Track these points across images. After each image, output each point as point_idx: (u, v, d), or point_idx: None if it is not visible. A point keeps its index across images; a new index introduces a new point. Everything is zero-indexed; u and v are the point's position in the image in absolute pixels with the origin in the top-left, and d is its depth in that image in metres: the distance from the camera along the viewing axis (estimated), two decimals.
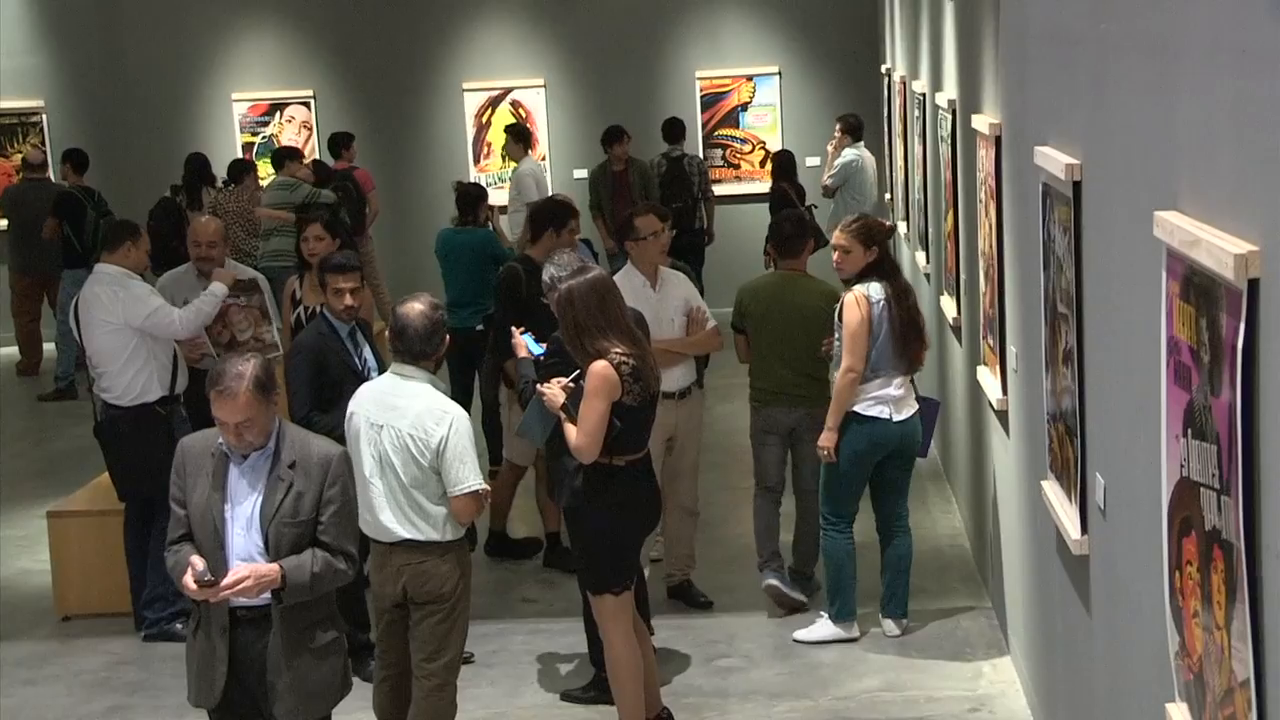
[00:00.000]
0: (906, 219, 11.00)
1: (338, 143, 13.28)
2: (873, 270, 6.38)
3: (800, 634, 6.65)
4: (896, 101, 11.74)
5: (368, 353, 6.35)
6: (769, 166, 13.13)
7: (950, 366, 8.36)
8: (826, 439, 6.39)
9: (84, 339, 7.02)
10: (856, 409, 6.35)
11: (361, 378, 6.03)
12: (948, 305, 8.06)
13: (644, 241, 6.75)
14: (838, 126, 12.79)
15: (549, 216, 7.29)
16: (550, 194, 10.65)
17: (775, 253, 7.14)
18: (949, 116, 7.79)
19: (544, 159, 14.55)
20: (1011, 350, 5.86)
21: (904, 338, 6.34)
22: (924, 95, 9.38)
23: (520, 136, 12.95)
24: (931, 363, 9.40)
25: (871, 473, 6.51)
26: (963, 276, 7.44)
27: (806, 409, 6.79)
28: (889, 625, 6.66)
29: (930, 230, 9.17)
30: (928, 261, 9.34)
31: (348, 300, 6.25)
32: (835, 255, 6.44)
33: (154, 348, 6.97)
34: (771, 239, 7.23)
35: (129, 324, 6.90)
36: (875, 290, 6.34)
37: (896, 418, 6.38)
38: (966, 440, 7.66)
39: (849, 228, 6.43)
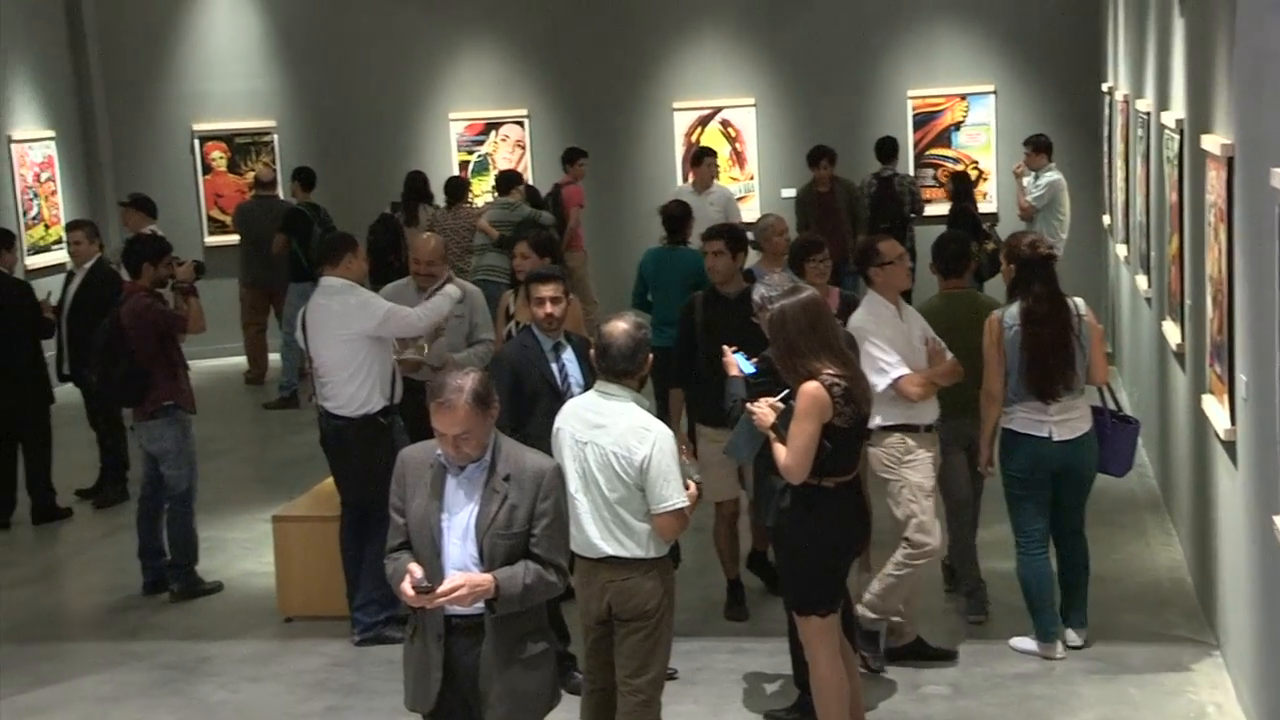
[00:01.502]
0: (1126, 241, 10.68)
1: (566, 158, 13.48)
2: (1016, 289, 6.44)
3: (1014, 641, 6.76)
4: (1118, 121, 11.42)
5: (572, 367, 6.29)
6: (949, 188, 12.89)
7: (1172, 394, 8.07)
8: (983, 455, 6.59)
9: (311, 350, 7.23)
10: (1012, 427, 6.46)
11: (559, 392, 6.09)
12: (1171, 331, 7.79)
13: (889, 266, 6.47)
14: (1027, 148, 12.55)
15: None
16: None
17: (938, 273, 7.02)
18: (1176, 136, 7.54)
19: (753, 178, 14.58)
20: (1241, 379, 5.63)
21: (1042, 362, 6.31)
22: (1149, 114, 9.10)
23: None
24: (1151, 388, 9.11)
25: (1050, 490, 6.51)
26: (1188, 302, 7.18)
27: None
28: (1070, 635, 6.69)
29: (1153, 253, 8.88)
30: (1149, 286, 9.05)
31: (547, 308, 6.24)
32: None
33: (377, 359, 7.14)
34: (936, 260, 7.09)
35: (364, 333, 7.06)
36: (1010, 314, 6.41)
37: (1058, 437, 6.40)
38: (1189, 470, 7.38)
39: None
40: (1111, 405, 6.71)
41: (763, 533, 7.28)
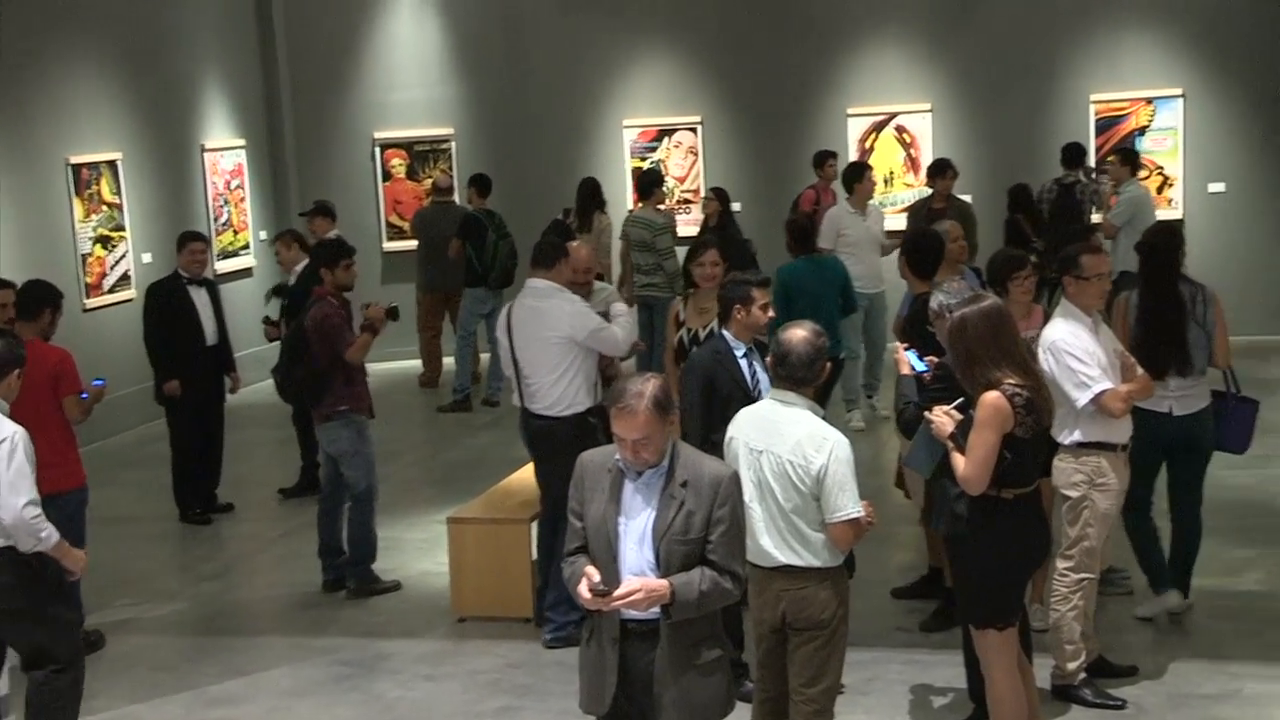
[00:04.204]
0: None
1: (816, 161, 13.42)
2: (1140, 275, 6.85)
3: (1139, 610, 7.11)
4: None
5: (762, 373, 6.30)
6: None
7: None
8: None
9: (516, 350, 7.30)
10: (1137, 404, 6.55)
11: (751, 396, 6.08)
12: None
13: (1085, 281, 6.24)
14: (1113, 159, 12.12)
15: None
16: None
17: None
18: None
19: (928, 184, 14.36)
20: None
21: (1153, 342, 6.64)
22: None
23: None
24: None
25: (1160, 462, 6.89)
26: None
27: None
28: (1170, 598, 7.05)
29: None
30: None
31: (771, 312, 6.38)
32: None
33: (586, 359, 7.24)
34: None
35: (573, 337, 7.17)
36: (1131, 299, 6.84)
37: (1178, 412, 6.73)
38: None
39: None
40: (1233, 388, 6.96)
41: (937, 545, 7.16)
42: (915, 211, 12.41)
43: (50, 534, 5.71)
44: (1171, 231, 7.08)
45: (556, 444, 7.15)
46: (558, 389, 7.19)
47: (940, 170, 12.24)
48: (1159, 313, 6.73)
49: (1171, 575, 7.11)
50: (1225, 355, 6.87)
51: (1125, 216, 11.67)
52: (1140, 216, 11.50)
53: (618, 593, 4.29)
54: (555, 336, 7.16)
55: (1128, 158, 12.21)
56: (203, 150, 14.23)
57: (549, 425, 7.22)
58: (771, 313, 6.39)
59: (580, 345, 7.17)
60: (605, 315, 7.67)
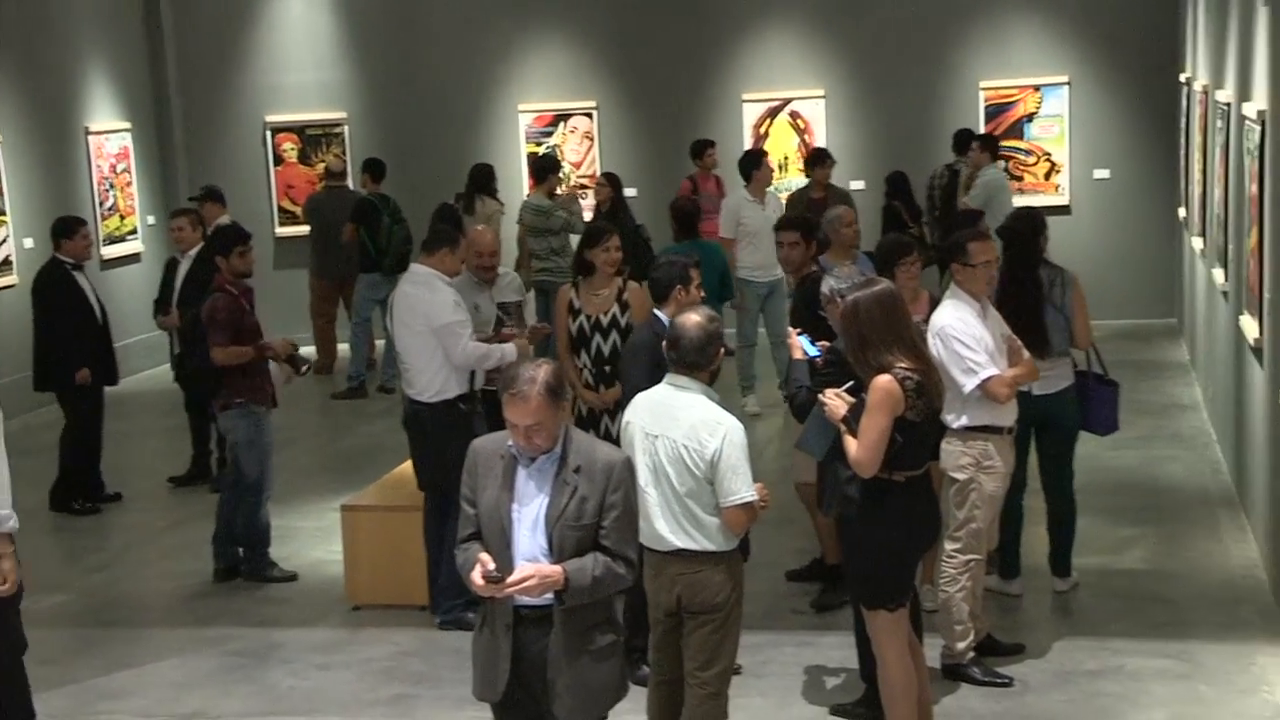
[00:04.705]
0: (1203, 234, 10.53)
1: (696, 150, 13.41)
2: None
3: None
4: (1196, 112, 11.25)
5: None
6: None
7: (1249, 389, 7.95)
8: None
9: (393, 334, 7.34)
10: None
11: None
12: (1248, 325, 7.67)
13: (972, 269, 6.34)
14: (975, 144, 12.37)
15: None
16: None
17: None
18: (1257, 127, 7.42)
19: None
20: None
21: (1009, 327, 6.61)
22: (1229, 105, 8.96)
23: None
24: (1227, 383, 8.98)
25: (1028, 441, 7.03)
26: (1267, 296, 7.07)
27: None
28: (1056, 582, 7.32)
29: (1231, 246, 8.74)
30: (1226, 279, 8.92)
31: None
32: None
33: None
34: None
35: (429, 325, 7.16)
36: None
37: (1038, 391, 6.86)
38: (1265, 466, 7.27)
39: None
40: (1097, 369, 7.15)
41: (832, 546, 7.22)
42: (794, 201, 12.38)
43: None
44: (1032, 217, 7.24)
45: (424, 429, 7.21)
46: (426, 374, 7.19)
47: (819, 160, 12.28)
48: (1017, 296, 6.85)
49: (1052, 554, 7.33)
50: (1085, 336, 7.05)
51: (981, 200, 11.87)
52: (997, 200, 11.72)
53: (511, 579, 4.28)
54: (419, 324, 7.16)
55: (986, 143, 12.44)
56: (87, 133, 13.93)
57: (417, 410, 7.26)
58: (702, 292, 6.48)
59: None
60: (506, 306, 7.66)
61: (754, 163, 11.69)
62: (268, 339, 8.19)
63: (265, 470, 8.16)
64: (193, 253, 9.93)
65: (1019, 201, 13.84)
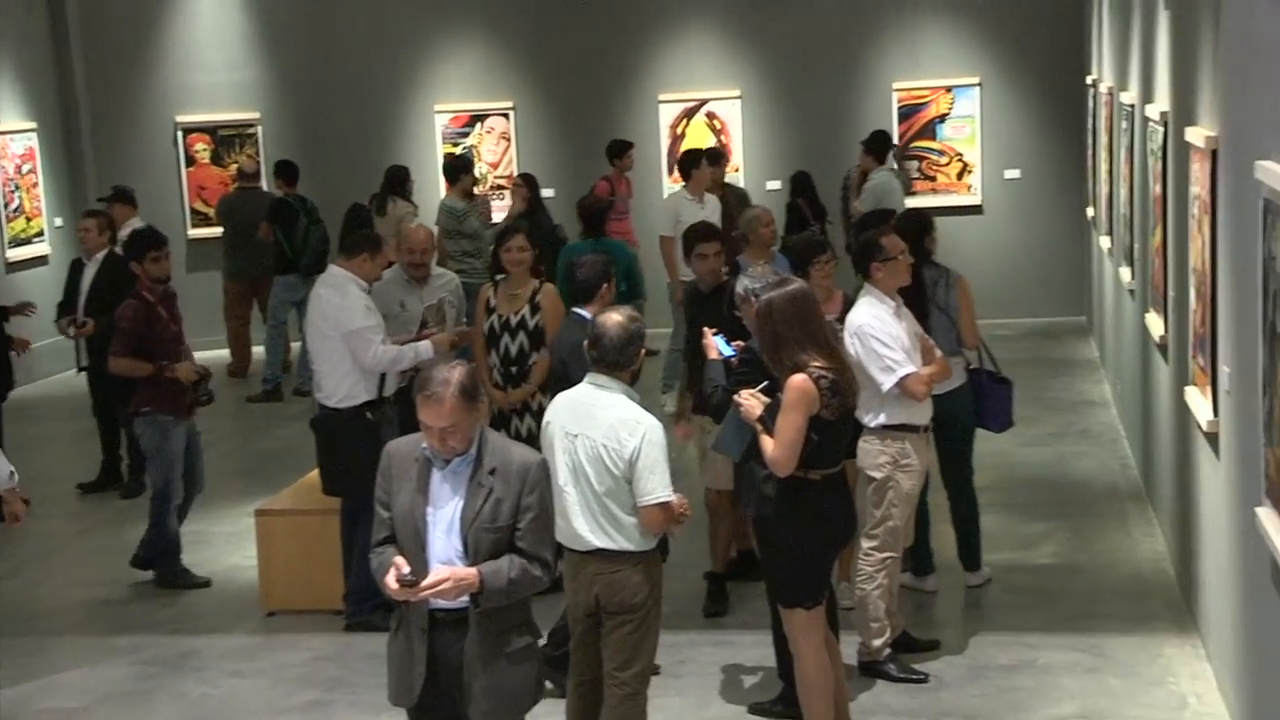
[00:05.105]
0: (1110, 234, 10.71)
1: (616, 150, 13.33)
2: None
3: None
4: (1102, 113, 11.44)
5: None
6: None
7: (1155, 385, 8.10)
8: None
9: (306, 337, 7.26)
10: None
11: None
12: (1154, 323, 7.81)
13: (892, 262, 6.38)
14: (861, 149, 12.54)
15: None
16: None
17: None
18: (1160, 129, 7.55)
19: (738, 170, 14.56)
20: (1224, 371, 5.64)
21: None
22: (1133, 107, 9.11)
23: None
24: (1134, 380, 9.14)
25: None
26: (1171, 294, 7.20)
27: None
28: (969, 577, 7.40)
29: (1137, 246, 8.90)
30: (1133, 277, 9.07)
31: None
32: None
33: None
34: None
35: (338, 330, 7.09)
36: None
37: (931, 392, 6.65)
38: (1171, 462, 7.40)
39: None
40: (989, 366, 7.21)
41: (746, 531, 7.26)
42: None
43: None
44: (919, 218, 7.31)
45: (331, 434, 7.14)
46: (334, 379, 7.13)
47: (712, 160, 12.34)
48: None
49: (960, 550, 7.42)
50: (973, 335, 7.12)
51: (871, 203, 11.98)
52: (886, 204, 11.82)
53: (425, 582, 4.26)
54: (329, 328, 7.09)
55: (872, 145, 12.57)
56: None
57: (324, 415, 7.19)
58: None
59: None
60: (440, 305, 7.62)
61: (693, 162, 11.75)
62: (184, 358, 8.03)
63: (172, 480, 8.04)
64: (99, 256, 9.75)
65: (935, 201, 14.06)
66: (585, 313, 6.34)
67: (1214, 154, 5.80)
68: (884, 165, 12.46)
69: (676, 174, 14.05)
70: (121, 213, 11.31)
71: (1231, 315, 5.50)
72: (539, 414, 6.98)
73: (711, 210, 11.43)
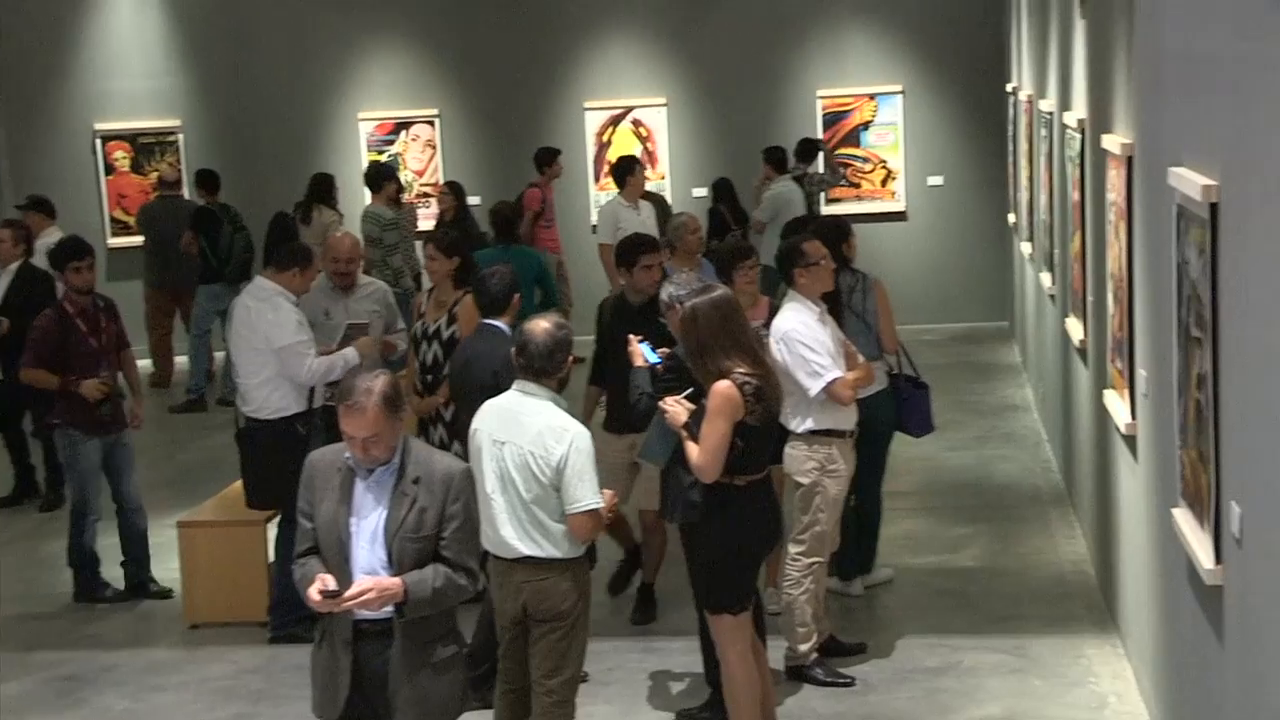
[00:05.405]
0: (1031, 239, 10.84)
1: (545, 158, 13.26)
2: None
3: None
4: (1022, 121, 11.59)
5: None
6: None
7: (1075, 389, 8.21)
8: None
9: (230, 347, 7.16)
10: None
11: None
12: (1074, 327, 7.92)
13: (815, 268, 6.40)
14: (763, 157, 12.68)
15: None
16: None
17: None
18: (1078, 136, 7.66)
19: (664, 178, 14.61)
20: (1141, 374, 5.74)
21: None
22: (1051, 114, 9.24)
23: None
24: (1055, 384, 9.25)
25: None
26: (1090, 299, 7.31)
27: None
28: (865, 578, 7.44)
29: (1056, 251, 9.02)
30: (1053, 283, 9.19)
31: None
32: None
33: None
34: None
35: (269, 345, 7.01)
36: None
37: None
38: (1091, 465, 7.51)
39: None
40: (908, 371, 7.26)
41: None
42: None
43: None
44: (837, 225, 7.37)
45: (258, 446, 7.06)
46: (261, 392, 7.06)
47: (630, 168, 12.34)
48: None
49: (863, 551, 7.47)
50: (892, 340, 7.18)
51: (769, 213, 12.08)
52: (784, 214, 11.89)
53: (349, 593, 4.23)
54: (258, 340, 7.02)
55: (771, 156, 12.67)
56: None
57: (251, 427, 7.11)
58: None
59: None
60: (353, 327, 7.56)
61: (628, 168, 11.77)
62: (125, 368, 7.93)
63: (87, 494, 7.90)
64: (13, 267, 9.58)
65: (859, 208, 14.17)
66: (499, 324, 6.34)
67: (1129, 161, 5.90)
68: (785, 175, 12.55)
69: (604, 181, 14.18)
70: (38, 222, 11.14)
71: (1148, 319, 5.59)
72: (451, 424, 6.97)
73: (647, 216, 11.46)
